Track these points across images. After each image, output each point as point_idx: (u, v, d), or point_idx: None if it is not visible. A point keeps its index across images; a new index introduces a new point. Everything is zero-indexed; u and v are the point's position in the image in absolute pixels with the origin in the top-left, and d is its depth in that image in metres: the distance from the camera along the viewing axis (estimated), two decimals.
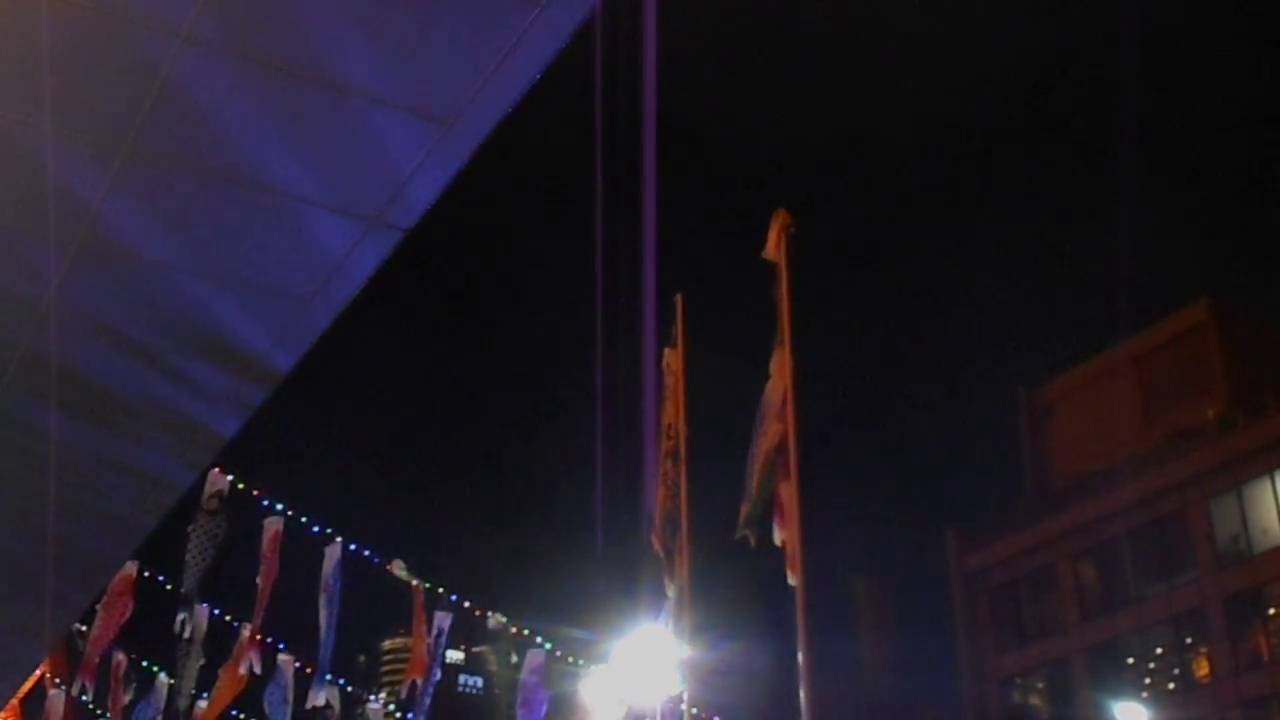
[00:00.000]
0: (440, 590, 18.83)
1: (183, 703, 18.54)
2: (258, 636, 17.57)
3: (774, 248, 13.29)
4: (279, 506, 17.09)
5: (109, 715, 20.94)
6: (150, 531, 10.65)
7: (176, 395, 8.50)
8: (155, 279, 7.35)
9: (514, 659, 19.22)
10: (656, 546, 14.47)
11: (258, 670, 17.81)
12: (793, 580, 12.24)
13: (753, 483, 12.74)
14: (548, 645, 19.29)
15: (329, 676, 18.43)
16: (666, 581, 14.39)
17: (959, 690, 50.78)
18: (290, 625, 19.17)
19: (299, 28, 5.63)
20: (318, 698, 17.91)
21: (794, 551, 12.26)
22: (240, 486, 16.01)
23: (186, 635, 17.09)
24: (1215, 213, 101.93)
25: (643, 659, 16.36)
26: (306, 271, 7.15)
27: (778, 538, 12.34)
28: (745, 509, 12.73)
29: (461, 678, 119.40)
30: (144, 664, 20.91)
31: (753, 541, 12.64)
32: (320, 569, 17.48)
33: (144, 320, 7.77)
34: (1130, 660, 45.92)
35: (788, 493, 12.35)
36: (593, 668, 19.86)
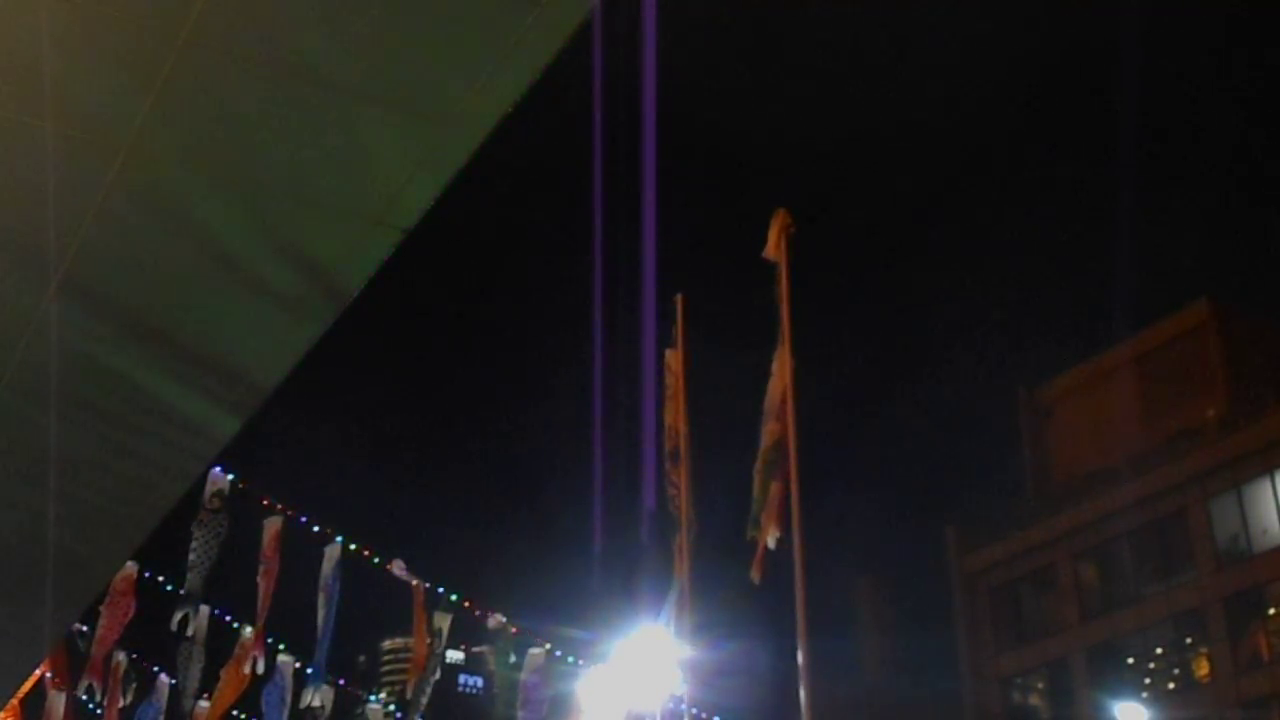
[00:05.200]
0: (440, 590, 18.82)
1: (185, 703, 18.55)
2: (262, 637, 17.56)
3: (774, 247, 13.33)
4: (279, 506, 17.09)
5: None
6: (150, 532, 10.66)
7: (176, 395, 8.50)
8: (154, 279, 7.35)
9: (514, 659, 19.20)
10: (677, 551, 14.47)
11: (260, 670, 17.81)
12: (755, 578, 12.32)
13: (756, 483, 12.79)
14: (547, 645, 19.29)
15: (328, 677, 18.43)
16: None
17: (959, 690, 50.78)
18: (290, 625, 19.17)
19: (299, 28, 5.63)
20: (313, 698, 17.91)
21: (762, 549, 12.33)
22: (240, 486, 16.02)
23: (189, 634, 17.11)
24: (1215, 213, 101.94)
25: (643, 659, 16.37)
26: (306, 272, 7.16)
27: (771, 537, 12.39)
28: (753, 510, 12.78)
29: (461, 678, 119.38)
30: (145, 664, 20.90)
31: (770, 545, 12.65)
32: (320, 569, 17.47)
33: (144, 321, 7.77)
34: (1130, 660, 45.93)
35: (781, 491, 12.38)
36: (592, 667, 19.86)
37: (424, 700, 18.92)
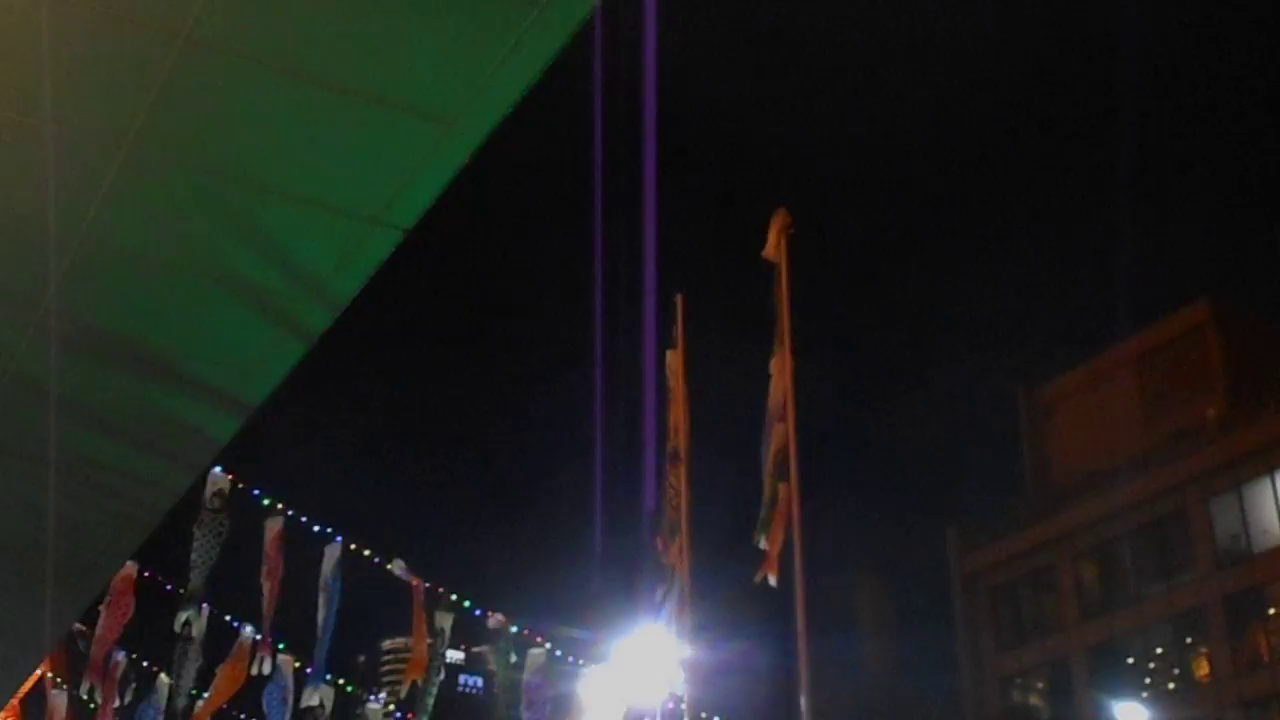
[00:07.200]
0: (440, 590, 18.83)
1: (183, 702, 18.55)
2: (269, 638, 17.55)
3: (774, 248, 13.35)
4: (279, 506, 17.09)
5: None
6: (150, 532, 10.66)
7: (176, 396, 8.50)
8: (154, 279, 7.35)
9: (514, 659, 19.20)
10: (660, 550, 14.48)
11: (268, 670, 17.81)
12: (772, 581, 12.32)
13: (766, 486, 12.78)
14: (547, 645, 19.29)
15: (328, 676, 18.43)
16: (661, 589, 14.41)
17: (959, 690, 50.81)
18: (290, 625, 19.17)
19: (300, 28, 5.63)
20: (312, 698, 17.89)
21: (774, 552, 12.34)
22: (241, 486, 16.02)
23: (191, 634, 17.10)
24: (1215, 213, 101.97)
25: (643, 659, 16.38)
26: (306, 271, 7.15)
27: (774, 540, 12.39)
28: (762, 513, 12.75)
29: (461, 678, 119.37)
30: (144, 664, 20.91)
31: (772, 544, 12.62)
32: (320, 569, 17.47)
33: (143, 321, 7.77)
34: (1130, 660, 45.94)
35: (786, 493, 12.38)
36: (592, 667, 19.87)
37: (430, 701, 18.92)
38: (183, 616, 16.02)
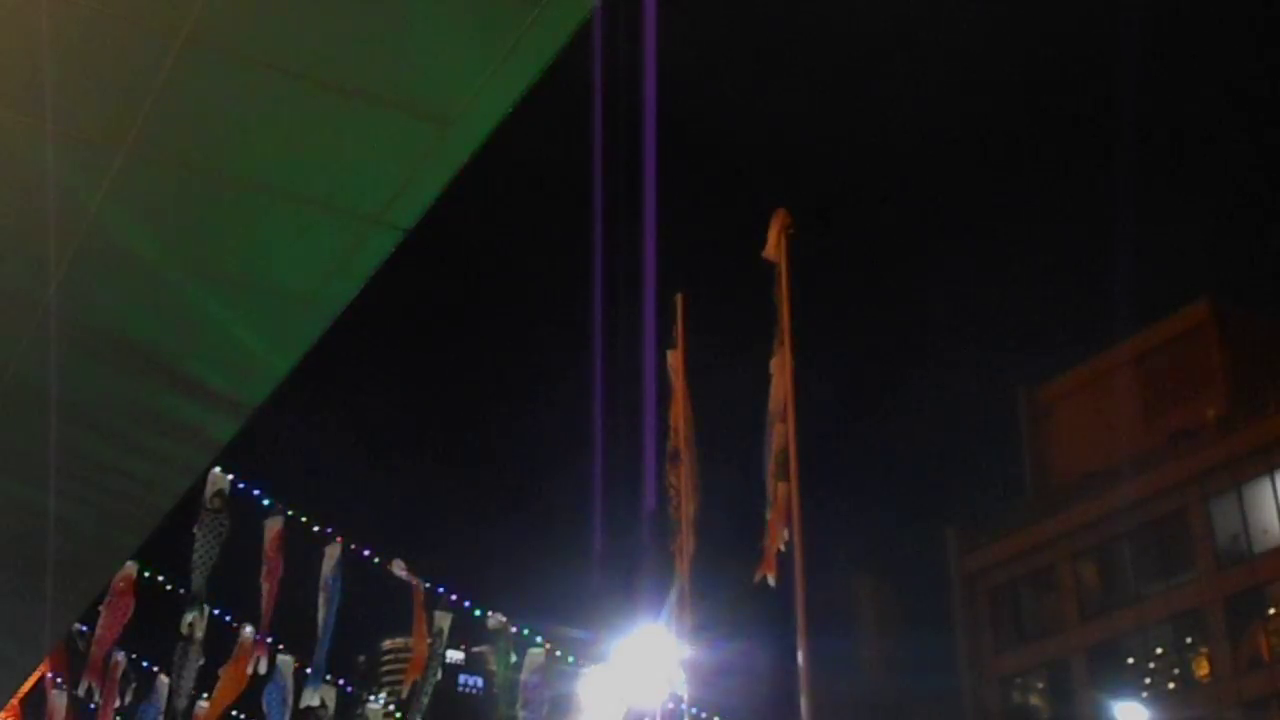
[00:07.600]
0: (440, 590, 18.84)
1: (183, 703, 18.56)
2: (267, 638, 17.57)
3: (774, 247, 13.35)
4: (279, 506, 17.09)
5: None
6: (150, 532, 10.66)
7: (175, 396, 8.50)
8: (154, 279, 7.35)
9: (514, 659, 19.22)
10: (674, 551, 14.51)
11: (263, 670, 17.83)
12: (770, 581, 12.33)
13: (769, 487, 12.78)
14: (547, 645, 19.31)
15: (328, 676, 18.44)
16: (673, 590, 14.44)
17: (959, 690, 50.79)
18: (290, 625, 19.17)
19: (300, 28, 5.63)
20: (313, 698, 17.91)
21: (772, 552, 12.34)
22: (241, 486, 16.03)
23: (198, 635, 17.12)
24: (1215, 213, 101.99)
25: (643, 659, 16.38)
26: (306, 271, 7.15)
27: (780, 540, 12.40)
28: (767, 515, 12.75)
29: (461, 678, 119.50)
30: (145, 664, 20.91)
31: (781, 547, 12.64)
32: (320, 569, 17.48)
33: (143, 321, 7.77)
34: (1130, 660, 45.92)
35: (787, 492, 12.38)
36: (592, 667, 19.88)
37: (425, 700, 18.95)
38: (188, 617, 16.03)
